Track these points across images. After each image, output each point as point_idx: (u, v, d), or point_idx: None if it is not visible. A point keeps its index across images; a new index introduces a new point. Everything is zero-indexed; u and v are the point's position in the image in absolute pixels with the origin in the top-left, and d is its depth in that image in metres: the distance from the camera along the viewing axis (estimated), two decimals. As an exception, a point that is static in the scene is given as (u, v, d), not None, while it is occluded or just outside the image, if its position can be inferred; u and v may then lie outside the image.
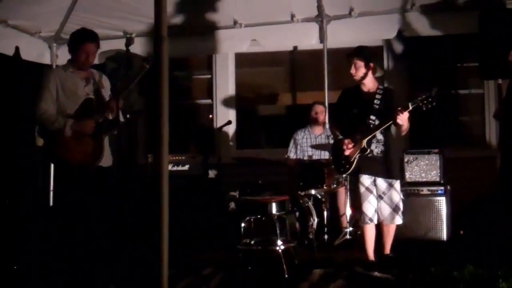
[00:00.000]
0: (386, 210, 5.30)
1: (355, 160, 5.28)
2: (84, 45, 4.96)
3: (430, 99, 4.94)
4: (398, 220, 5.32)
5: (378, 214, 5.31)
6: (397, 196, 5.30)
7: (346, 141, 5.30)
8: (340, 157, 5.39)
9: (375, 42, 8.21)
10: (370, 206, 5.26)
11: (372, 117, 5.25)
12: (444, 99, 8.18)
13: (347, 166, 5.32)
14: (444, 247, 6.14)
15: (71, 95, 4.90)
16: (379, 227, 5.38)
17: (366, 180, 5.29)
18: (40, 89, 4.94)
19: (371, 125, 5.24)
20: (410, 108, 4.99)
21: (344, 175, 5.84)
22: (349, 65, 5.36)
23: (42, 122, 4.85)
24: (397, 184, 5.34)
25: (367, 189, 5.28)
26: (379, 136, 5.30)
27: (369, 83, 5.39)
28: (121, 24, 7.56)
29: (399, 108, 5.00)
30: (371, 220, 5.26)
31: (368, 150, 5.23)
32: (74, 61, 5.01)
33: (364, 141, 5.22)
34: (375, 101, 5.29)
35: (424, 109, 4.98)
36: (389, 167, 5.32)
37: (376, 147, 5.31)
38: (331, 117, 5.60)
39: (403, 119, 4.99)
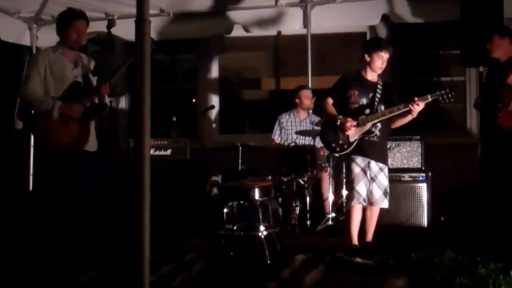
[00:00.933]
0: (378, 192, 5.31)
1: (356, 141, 5.28)
2: (75, 23, 4.89)
3: (450, 95, 5.06)
4: (386, 203, 5.36)
5: (369, 196, 5.31)
6: (386, 181, 5.36)
7: (350, 120, 5.25)
8: (336, 137, 5.34)
9: (359, 28, 8.20)
10: (363, 187, 5.27)
11: (377, 100, 5.32)
12: (426, 86, 8.24)
13: (345, 147, 5.31)
14: (425, 233, 6.19)
15: (59, 77, 4.84)
16: (363, 213, 5.39)
17: (361, 161, 5.30)
18: (28, 69, 4.88)
19: (377, 110, 5.28)
20: (430, 100, 5.09)
21: (339, 155, 5.64)
22: (378, 59, 5.32)
23: (30, 102, 4.76)
24: (386, 169, 5.40)
25: (363, 170, 5.29)
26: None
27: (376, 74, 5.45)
28: (102, 6, 7.48)
29: (416, 98, 5.06)
30: (364, 200, 5.28)
31: (375, 133, 5.28)
32: (64, 41, 4.94)
33: (370, 124, 5.24)
34: (378, 88, 5.36)
35: (442, 103, 5.11)
36: (381, 152, 5.45)
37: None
38: (330, 95, 5.50)
39: (418, 110, 5.06)
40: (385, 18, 7.34)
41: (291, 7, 7.53)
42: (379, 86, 5.38)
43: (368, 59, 5.36)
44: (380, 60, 5.32)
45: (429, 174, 6.47)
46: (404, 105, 5.12)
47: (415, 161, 6.55)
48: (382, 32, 8.48)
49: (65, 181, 4.69)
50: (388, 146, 6.48)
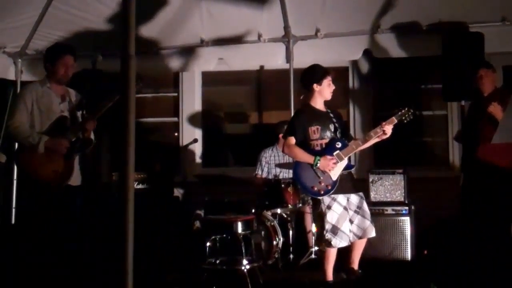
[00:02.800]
0: (366, 223, 5.15)
1: (338, 179, 5.12)
2: (63, 58, 4.94)
3: (410, 112, 5.05)
4: (374, 231, 5.19)
5: (354, 231, 5.15)
6: (367, 208, 5.22)
7: (330, 158, 5.10)
8: (317, 179, 5.14)
9: (341, 62, 8.29)
10: (348, 226, 5.10)
11: (339, 130, 5.25)
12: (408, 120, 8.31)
13: (330, 188, 5.11)
14: (408, 267, 6.18)
15: (46, 111, 4.86)
16: (353, 244, 5.23)
17: (342, 199, 5.14)
18: (15, 102, 4.92)
19: (344, 141, 5.20)
20: (396, 121, 5.05)
21: (327, 196, 5.20)
22: (328, 85, 5.27)
23: (16, 135, 4.81)
24: (363, 196, 5.29)
25: (345, 208, 5.13)
26: None
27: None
28: (87, 41, 7.51)
29: (384, 123, 5.04)
30: (350, 240, 5.10)
31: (355, 166, 5.23)
32: (52, 75, 4.97)
33: (347, 157, 5.15)
34: (331, 117, 5.29)
35: (405, 122, 5.07)
36: (355, 181, 5.34)
37: None
38: (292, 135, 5.36)
39: (389, 132, 5.03)
40: (367, 53, 7.43)
41: (273, 42, 7.60)
42: (331, 115, 5.31)
43: (317, 88, 5.26)
44: (332, 86, 5.29)
45: (412, 207, 6.47)
46: (373, 131, 5.08)
47: (398, 195, 6.55)
48: (364, 67, 8.59)
49: (48, 215, 4.67)
50: (371, 180, 6.54)
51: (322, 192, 5.14)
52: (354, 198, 5.23)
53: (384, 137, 5.08)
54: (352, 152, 5.20)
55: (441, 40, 6.55)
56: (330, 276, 5.26)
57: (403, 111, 5.09)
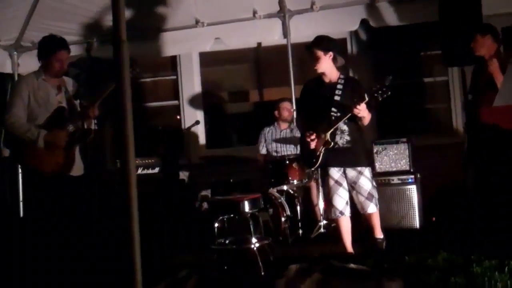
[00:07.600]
0: (360, 198, 5.23)
1: (321, 154, 5.22)
2: (57, 54, 4.89)
3: (384, 89, 4.92)
4: (372, 207, 5.24)
5: (351, 205, 5.26)
6: (368, 184, 5.23)
7: (309, 134, 5.24)
8: (307, 152, 5.34)
9: (339, 34, 8.21)
10: (340, 199, 5.21)
11: (334, 110, 5.18)
12: (410, 88, 8.26)
13: (314, 160, 5.27)
14: (417, 235, 6.18)
15: (43, 103, 4.83)
16: (363, 216, 5.36)
17: (335, 173, 5.24)
18: (11, 96, 4.89)
19: (333, 118, 5.17)
20: (367, 99, 4.97)
21: (313, 169, 5.75)
22: (311, 58, 5.27)
23: (13, 130, 4.75)
24: (366, 171, 5.27)
25: (336, 182, 5.22)
26: (343, 126, 5.24)
27: (331, 74, 5.31)
28: (80, 29, 7.47)
29: (356, 100, 4.98)
30: (341, 213, 5.21)
31: (332, 144, 5.17)
32: (46, 69, 4.92)
33: (327, 135, 5.16)
34: (336, 92, 5.23)
35: (380, 99, 4.96)
36: (355, 155, 5.27)
37: (341, 138, 5.24)
38: (296, 112, 5.56)
39: (361, 111, 4.96)
40: (364, 22, 7.37)
41: (269, 18, 7.56)
42: (338, 86, 5.26)
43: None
44: (312, 60, 5.27)
45: (418, 175, 6.45)
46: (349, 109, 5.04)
47: (403, 164, 6.52)
48: (362, 37, 8.53)
49: (54, 206, 4.66)
50: (375, 150, 6.51)
51: (310, 164, 5.38)
52: (351, 172, 5.26)
53: (360, 112, 4.97)
54: (332, 129, 5.16)
55: (438, 5, 6.48)
56: (349, 247, 5.33)
57: (377, 86, 4.95)
